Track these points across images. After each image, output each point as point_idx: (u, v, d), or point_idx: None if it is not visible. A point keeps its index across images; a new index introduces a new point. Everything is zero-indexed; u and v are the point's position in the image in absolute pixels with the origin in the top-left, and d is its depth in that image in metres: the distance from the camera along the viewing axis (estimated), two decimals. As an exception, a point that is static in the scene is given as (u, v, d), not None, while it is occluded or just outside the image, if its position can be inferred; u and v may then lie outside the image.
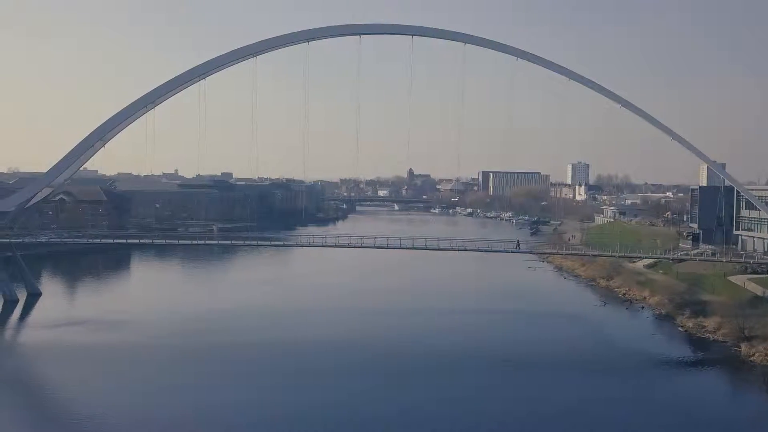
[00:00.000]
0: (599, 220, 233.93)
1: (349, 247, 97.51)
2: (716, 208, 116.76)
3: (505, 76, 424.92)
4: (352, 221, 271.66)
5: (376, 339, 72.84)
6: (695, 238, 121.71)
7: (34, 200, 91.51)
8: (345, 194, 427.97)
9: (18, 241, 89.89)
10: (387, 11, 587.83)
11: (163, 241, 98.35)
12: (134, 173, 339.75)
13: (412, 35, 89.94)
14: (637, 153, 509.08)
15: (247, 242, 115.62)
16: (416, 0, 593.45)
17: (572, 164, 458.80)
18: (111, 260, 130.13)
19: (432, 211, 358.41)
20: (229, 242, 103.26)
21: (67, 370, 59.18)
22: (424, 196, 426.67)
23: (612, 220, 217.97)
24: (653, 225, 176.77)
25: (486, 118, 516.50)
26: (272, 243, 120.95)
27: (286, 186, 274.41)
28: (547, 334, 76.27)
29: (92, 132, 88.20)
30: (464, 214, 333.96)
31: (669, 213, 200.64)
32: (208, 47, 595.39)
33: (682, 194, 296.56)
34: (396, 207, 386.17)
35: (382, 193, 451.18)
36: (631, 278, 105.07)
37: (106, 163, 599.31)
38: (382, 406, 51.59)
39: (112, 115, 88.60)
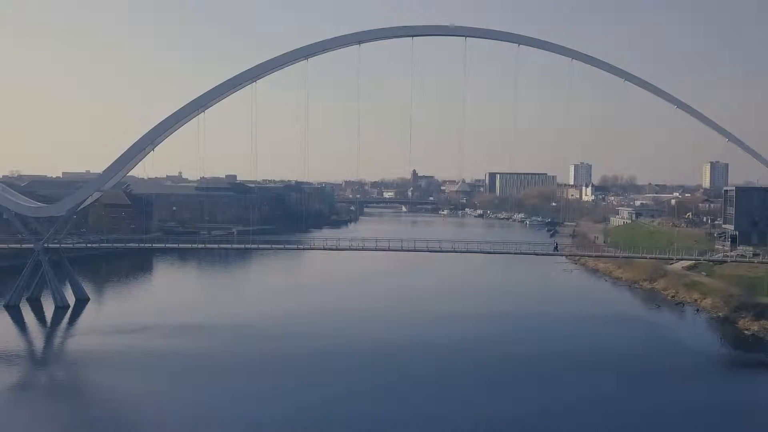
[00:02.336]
0: (614, 221, 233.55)
1: (386, 250, 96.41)
2: (755, 210, 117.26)
3: (508, 77, 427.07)
4: (364, 223, 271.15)
5: (452, 342, 72.45)
6: (734, 240, 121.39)
7: (83, 204, 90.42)
8: (350, 196, 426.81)
9: (69, 245, 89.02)
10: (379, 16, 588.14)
11: (215, 246, 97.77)
12: (137, 176, 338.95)
13: (465, 36, 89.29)
14: (637, 153, 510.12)
15: (276, 246, 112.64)
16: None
17: (575, 165, 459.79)
18: (136, 264, 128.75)
19: (440, 212, 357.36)
20: (267, 246, 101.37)
21: (152, 380, 58.10)
22: (431, 198, 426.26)
23: (629, 221, 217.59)
24: (676, 226, 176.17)
25: (489, 118, 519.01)
26: (309, 247, 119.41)
27: (298, 188, 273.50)
28: (615, 337, 76.24)
29: (144, 136, 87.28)
30: (474, 216, 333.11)
31: (689, 214, 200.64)
32: (208, 47, 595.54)
33: (689, 194, 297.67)
34: (404, 209, 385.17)
35: (387, 194, 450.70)
36: (677, 281, 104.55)
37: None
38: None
39: (163, 119, 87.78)
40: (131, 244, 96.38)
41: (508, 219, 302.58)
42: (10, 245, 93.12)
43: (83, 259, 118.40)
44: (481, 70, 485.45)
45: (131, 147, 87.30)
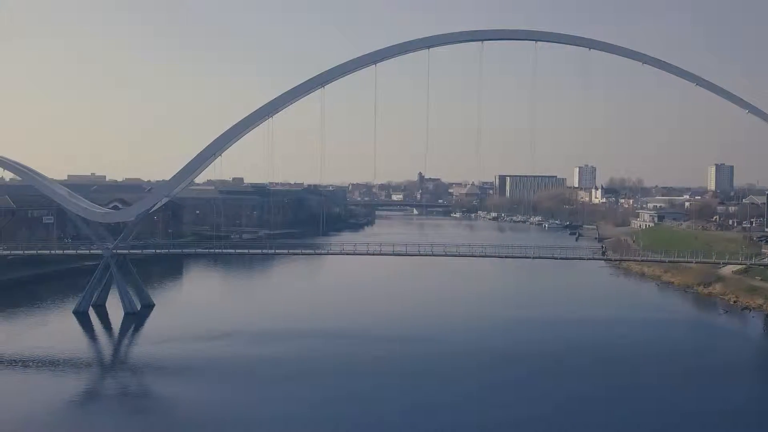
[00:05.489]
0: (634, 224, 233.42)
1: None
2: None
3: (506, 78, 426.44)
4: (381, 226, 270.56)
5: (535, 345, 72.25)
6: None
7: (152, 210, 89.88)
8: (358, 198, 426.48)
9: (138, 251, 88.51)
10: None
11: (285, 252, 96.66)
12: (143, 178, 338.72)
13: (535, 41, 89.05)
14: (639, 155, 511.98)
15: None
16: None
17: (579, 167, 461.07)
18: (169, 268, 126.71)
19: (453, 215, 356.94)
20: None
21: (252, 388, 57.66)
22: (441, 200, 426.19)
23: (651, 224, 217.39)
24: (705, 229, 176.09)
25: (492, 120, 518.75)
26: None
27: (317, 191, 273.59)
28: (695, 341, 76.64)
29: (213, 142, 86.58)
30: (488, 219, 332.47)
31: (717, 217, 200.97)
32: (208, 47, 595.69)
33: (698, 197, 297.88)
34: (415, 211, 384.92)
35: (396, 197, 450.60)
36: (735, 285, 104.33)
37: (113, 168, 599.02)
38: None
39: (231, 126, 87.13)
40: (200, 250, 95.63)
41: (524, 222, 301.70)
42: (78, 251, 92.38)
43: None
44: (477, 71, 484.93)
45: (200, 153, 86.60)
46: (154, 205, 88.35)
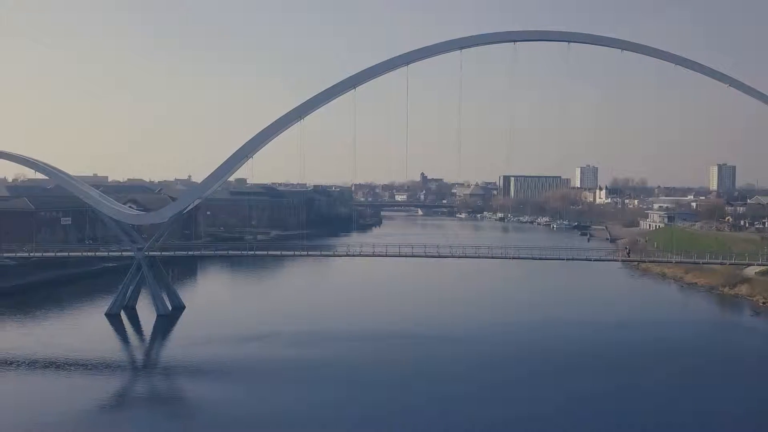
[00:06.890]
0: (644, 224, 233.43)
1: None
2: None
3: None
4: (389, 227, 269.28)
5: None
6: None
7: (184, 212, 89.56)
8: (362, 199, 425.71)
9: (169, 254, 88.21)
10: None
11: (317, 253, 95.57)
12: (146, 179, 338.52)
13: (569, 42, 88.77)
14: (639, 155, 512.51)
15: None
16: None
17: (581, 167, 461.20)
18: (184, 270, 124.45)
19: (458, 216, 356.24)
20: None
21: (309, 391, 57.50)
22: (444, 201, 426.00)
23: (662, 225, 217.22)
24: (719, 230, 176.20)
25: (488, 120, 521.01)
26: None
27: (326, 192, 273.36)
28: (738, 344, 76.51)
29: (244, 145, 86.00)
30: (495, 219, 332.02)
31: (729, 218, 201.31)
32: (208, 47, 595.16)
33: (703, 197, 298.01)
34: (420, 212, 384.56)
35: (399, 197, 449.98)
36: (762, 286, 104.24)
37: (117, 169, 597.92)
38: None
39: (262, 129, 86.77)
40: (233, 252, 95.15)
41: (531, 222, 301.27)
42: (110, 252, 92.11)
43: (125, 267, 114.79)
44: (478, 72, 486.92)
45: (234, 155, 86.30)
46: (187, 207, 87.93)
